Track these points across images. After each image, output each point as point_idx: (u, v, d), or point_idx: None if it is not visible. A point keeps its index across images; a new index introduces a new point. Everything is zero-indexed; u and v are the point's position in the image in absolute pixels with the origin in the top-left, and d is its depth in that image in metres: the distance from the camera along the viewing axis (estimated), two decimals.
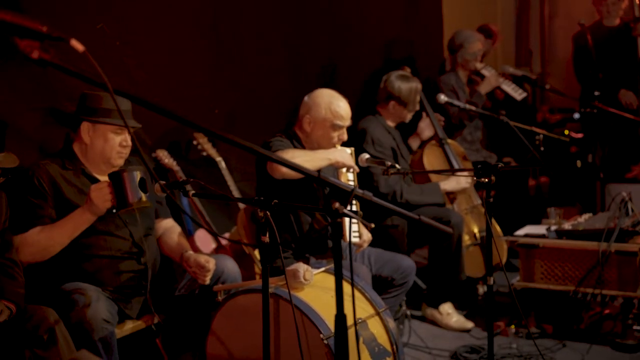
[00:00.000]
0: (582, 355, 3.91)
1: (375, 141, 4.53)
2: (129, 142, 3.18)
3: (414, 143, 5.15)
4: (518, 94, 5.79)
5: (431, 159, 4.87)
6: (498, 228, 5.07)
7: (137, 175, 2.91)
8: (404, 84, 4.65)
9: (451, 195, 4.82)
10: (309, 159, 3.41)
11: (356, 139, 4.47)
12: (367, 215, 3.01)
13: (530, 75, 6.50)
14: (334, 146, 3.68)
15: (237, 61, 4.69)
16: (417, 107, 4.74)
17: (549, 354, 3.92)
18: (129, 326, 3.17)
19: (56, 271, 3.05)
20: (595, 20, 6.40)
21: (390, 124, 4.73)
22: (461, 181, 4.71)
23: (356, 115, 3.80)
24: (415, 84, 4.68)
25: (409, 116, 4.75)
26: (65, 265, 3.04)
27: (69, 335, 2.70)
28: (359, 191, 1.96)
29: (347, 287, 2.16)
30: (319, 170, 1.94)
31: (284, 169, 3.36)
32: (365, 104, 4.72)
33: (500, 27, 7.95)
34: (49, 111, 3.51)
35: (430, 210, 4.48)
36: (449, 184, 4.69)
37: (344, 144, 3.75)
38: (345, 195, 1.94)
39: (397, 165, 3.25)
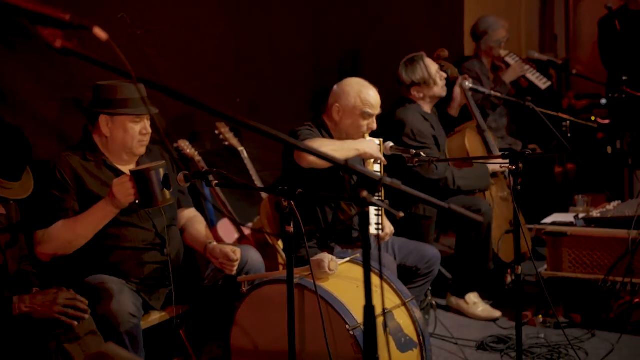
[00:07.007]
0: (611, 344, 3.84)
1: (416, 132, 4.37)
2: (149, 130, 3.15)
3: (453, 111, 4.98)
4: (542, 82, 5.69)
5: (473, 144, 4.77)
6: (521, 217, 4.97)
7: (161, 173, 2.88)
8: (411, 67, 4.49)
9: None
10: (337, 149, 3.37)
11: (394, 130, 4.36)
12: (393, 203, 2.95)
13: (556, 61, 6.39)
14: (363, 135, 3.63)
15: (259, 49, 4.64)
16: (444, 75, 4.55)
17: (578, 344, 3.86)
18: (154, 317, 3.17)
19: (79, 263, 3.04)
20: (621, 4, 6.28)
21: (427, 109, 4.57)
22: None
23: (383, 104, 3.73)
24: (421, 60, 4.46)
25: (441, 92, 4.55)
26: (88, 257, 3.03)
27: (96, 327, 2.70)
28: (387, 180, 1.91)
29: (373, 278, 2.11)
30: (346, 160, 1.88)
31: (312, 158, 3.32)
32: (395, 92, 4.62)
33: (524, 12, 7.79)
34: (70, 101, 3.49)
35: (459, 199, 4.41)
36: (493, 166, 4.56)
37: (373, 133, 3.70)
38: (373, 184, 1.89)
39: (422, 153, 3.20)
